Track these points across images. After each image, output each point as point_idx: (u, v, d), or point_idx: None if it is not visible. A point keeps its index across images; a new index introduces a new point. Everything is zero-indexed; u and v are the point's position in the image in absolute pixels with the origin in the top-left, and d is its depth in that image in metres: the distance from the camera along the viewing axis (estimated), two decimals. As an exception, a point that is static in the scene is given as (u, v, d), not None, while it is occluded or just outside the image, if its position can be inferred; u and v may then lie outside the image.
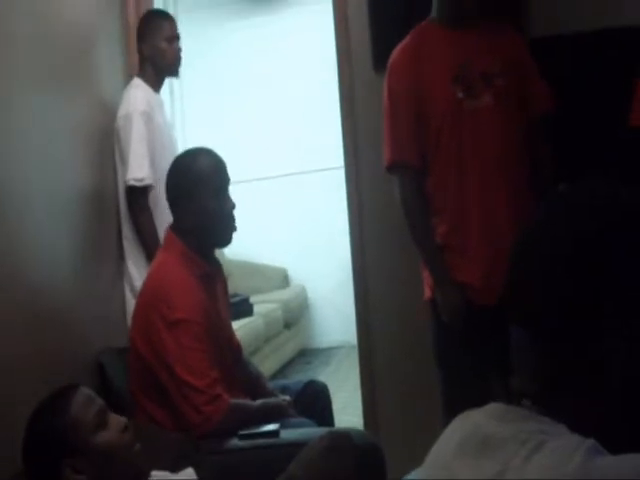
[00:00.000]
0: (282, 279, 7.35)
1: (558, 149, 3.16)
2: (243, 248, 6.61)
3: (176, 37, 3.90)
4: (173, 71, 3.93)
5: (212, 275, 2.99)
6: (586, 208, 1.11)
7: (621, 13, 3.40)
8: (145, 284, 2.97)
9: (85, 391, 2.05)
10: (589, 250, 1.06)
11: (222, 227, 2.94)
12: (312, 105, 6.78)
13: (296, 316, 7.16)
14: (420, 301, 3.14)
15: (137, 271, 3.67)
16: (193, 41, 7.09)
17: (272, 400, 3.01)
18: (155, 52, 3.81)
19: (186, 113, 7.28)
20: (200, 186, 2.88)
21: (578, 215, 1.11)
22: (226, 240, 2.99)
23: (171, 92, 6.84)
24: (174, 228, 2.95)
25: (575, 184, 1.17)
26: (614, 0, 3.47)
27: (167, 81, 4.07)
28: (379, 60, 3.50)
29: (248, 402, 2.92)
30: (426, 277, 3.09)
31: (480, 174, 2.98)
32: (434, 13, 3.11)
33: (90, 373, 3.30)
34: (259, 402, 2.95)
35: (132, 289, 3.65)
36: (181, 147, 6.85)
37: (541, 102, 3.12)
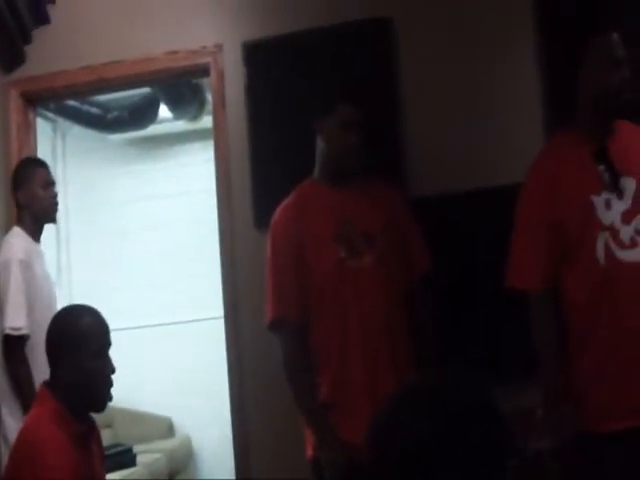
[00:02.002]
0: (167, 428, 7.15)
1: (439, 310, 3.22)
2: (127, 396, 6.44)
3: (51, 183, 3.88)
4: (50, 217, 3.89)
5: (86, 434, 2.90)
6: (431, 401, 1.28)
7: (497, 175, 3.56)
8: (17, 439, 2.86)
9: None
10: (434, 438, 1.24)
11: (98, 390, 2.87)
12: (197, 254, 6.78)
13: (181, 466, 6.95)
14: (303, 459, 3.08)
15: (13, 420, 3.53)
16: (80, 185, 7.15)
17: None
18: (31, 199, 3.79)
19: (72, 257, 7.20)
20: (81, 346, 2.81)
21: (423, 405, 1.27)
22: (101, 403, 2.90)
23: (57, 234, 6.77)
24: (49, 384, 2.87)
25: (425, 375, 1.35)
26: (488, 163, 3.63)
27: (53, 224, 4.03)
28: (261, 217, 3.55)
29: None
30: (308, 436, 3.04)
31: (363, 333, 2.99)
32: (316, 172, 3.17)
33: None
34: None
35: (6, 441, 3.51)
36: (66, 292, 6.94)
37: (420, 263, 3.19)
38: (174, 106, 6.19)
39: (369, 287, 3.02)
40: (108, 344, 2.88)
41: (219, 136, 3.85)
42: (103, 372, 2.83)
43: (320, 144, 3.15)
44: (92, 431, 2.98)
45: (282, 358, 3.03)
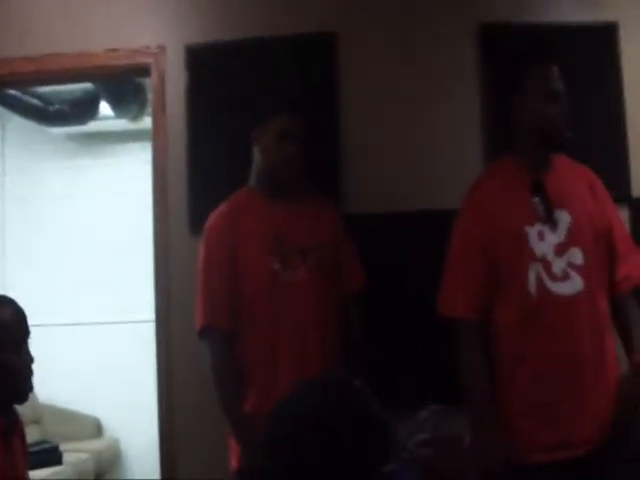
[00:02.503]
0: (95, 429, 7.07)
1: (372, 328, 3.24)
2: (57, 392, 6.38)
3: None
4: None
5: (8, 429, 2.86)
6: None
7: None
8: None
9: None
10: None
11: (20, 381, 2.83)
12: (131, 254, 6.72)
13: (108, 467, 6.89)
14: (229, 464, 3.05)
15: None
16: (18, 175, 7.07)
17: None
18: None
19: (6, 247, 7.11)
20: (0, 338, 2.78)
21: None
22: (22, 395, 2.87)
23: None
24: None
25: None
26: (425, 186, 3.67)
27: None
28: (196, 222, 3.53)
29: None
30: (233, 447, 3.01)
31: (293, 347, 2.99)
32: (253, 181, 3.16)
33: None
34: None
35: None
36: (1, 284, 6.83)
37: (354, 281, 3.21)
38: (115, 104, 6.13)
39: (301, 301, 3.02)
40: (27, 334, 2.84)
41: (157, 138, 3.82)
42: (23, 363, 2.80)
43: (257, 154, 3.13)
44: (15, 424, 2.94)
45: (210, 365, 3.01)
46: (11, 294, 2.92)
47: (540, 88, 2.86)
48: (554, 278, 2.79)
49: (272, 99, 3.31)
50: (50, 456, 6.02)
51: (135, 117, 6.43)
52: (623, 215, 3.45)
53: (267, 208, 3.10)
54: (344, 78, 3.74)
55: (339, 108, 3.71)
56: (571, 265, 2.81)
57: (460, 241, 2.91)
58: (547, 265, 2.80)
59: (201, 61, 3.79)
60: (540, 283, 2.79)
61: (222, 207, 3.14)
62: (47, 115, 6.35)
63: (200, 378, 3.26)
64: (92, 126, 6.72)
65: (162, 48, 3.87)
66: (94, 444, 6.85)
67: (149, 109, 5.00)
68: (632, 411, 2.76)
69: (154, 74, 3.88)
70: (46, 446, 6.07)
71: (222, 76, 3.75)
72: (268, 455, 1.30)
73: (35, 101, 6.21)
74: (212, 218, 3.12)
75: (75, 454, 6.42)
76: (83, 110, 6.37)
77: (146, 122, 6.02)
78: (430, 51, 3.77)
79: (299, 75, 3.66)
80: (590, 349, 2.78)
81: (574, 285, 2.80)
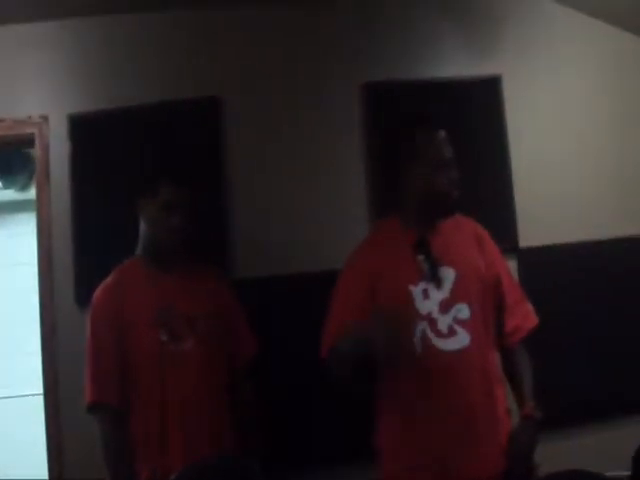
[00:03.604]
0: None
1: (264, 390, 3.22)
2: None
3: None
4: None
5: None
6: None
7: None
8: None
9: None
10: None
11: None
12: (20, 326, 6.54)
13: None
14: None
15: None
16: None
17: None
18: None
19: None
20: None
21: None
22: None
23: None
24: None
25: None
26: (312, 248, 3.70)
27: None
28: (82, 293, 3.46)
29: None
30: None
31: (182, 418, 2.94)
32: (139, 251, 3.13)
33: None
34: None
35: None
36: None
37: (246, 347, 3.19)
38: (2, 174, 6.01)
39: (190, 370, 2.98)
40: None
41: (41, 209, 3.75)
42: None
43: (142, 224, 3.10)
44: None
45: (100, 442, 2.94)
46: None
47: (429, 155, 2.86)
48: (440, 335, 2.80)
49: (155, 170, 3.27)
50: None
51: (23, 187, 6.29)
52: (512, 265, 3.51)
53: (154, 278, 3.06)
54: (229, 142, 3.75)
55: (224, 173, 3.71)
56: (457, 321, 2.82)
57: (343, 293, 2.88)
58: (432, 322, 2.80)
59: (84, 130, 3.75)
60: (426, 341, 2.79)
61: (108, 280, 3.08)
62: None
63: (91, 453, 3.16)
64: (-20, 197, 6.58)
65: (45, 118, 3.81)
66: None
67: (37, 179, 4.91)
68: (523, 462, 2.77)
69: (38, 144, 3.82)
70: None
71: (106, 145, 3.71)
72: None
73: None
74: (98, 291, 3.06)
75: None
76: (-30, 181, 6.22)
77: (34, 192, 5.93)
78: (315, 113, 3.82)
79: (183, 141, 3.64)
80: (481, 402, 2.79)
81: (460, 340, 2.80)
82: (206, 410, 2.97)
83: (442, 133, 2.89)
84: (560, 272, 3.86)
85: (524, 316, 3.00)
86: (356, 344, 2.65)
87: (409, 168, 2.89)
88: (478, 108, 3.93)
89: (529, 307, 3.03)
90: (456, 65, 3.96)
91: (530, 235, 3.88)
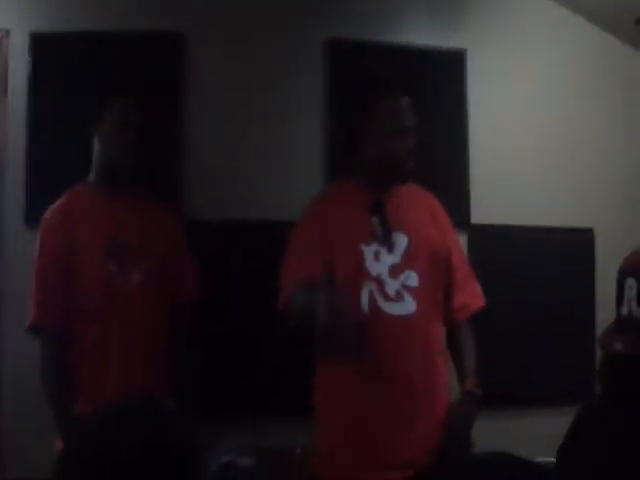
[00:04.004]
0: None
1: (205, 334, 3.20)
2: None
3: None
4: None
5: None
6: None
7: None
8: None
9: None
10: None
11: None
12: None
13: None
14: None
15: None
16: None
17: None
18: None
19: None
20: None
21: None
22: None
23: None
24: None
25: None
26: (266, 197, 3.68)
27: None
28: (32, 214, 3.37)
29: None
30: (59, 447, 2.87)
31: (122, 353, 2.93)
32: (92, 175, 3.07)
33: None
34: None
35: None
36: None
37: (188, 288, 3.16)
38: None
39: (134, 307, 2.96)
40: None
41: (-3, 123, 3.63)
42: None
43: (96, 144, 3.05)
44: None
45: (40, 362, 2.92)
46: None
47: (389, 121, 2.85)
48: (387, 298, 2.82)
49: (112, 86, 3.21)
50: None
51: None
52: (462, 241, 3.54)
53: (104, 204, 3.02)
54: (190, 82, 3.68)
55: (183, 111, 3.65)
56: (405, 287, 2.84)
57: (297, 246, 2.88)
58: (381, 285, 2.82)
59: (46, 49, 3.63)
60: (373, 302, 2.80)
61: (58, 202, 3.04)
62: None
63: (32, 373, 3.11)
64: None
65: (7, 32, 3.69)
66: None
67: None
68: (459, 436, 2.81)
69: (-3, 57, 3.69)
70: None
71: (66, 66, 3.60)
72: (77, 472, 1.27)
73: None
74: (48, 213, 3.02)
75: None
76: None
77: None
78: (277, 61, 3.78)
79: (144, 72, 3.56)
80: (421, 371, 2.83)
81: (407, 307, 2.83)
82: (146, 347, 2.96)
83: (405, 100, 2.90)
84: (509, 253, 3.92)
85: (472, 295, 3.04)
86: (305, 305, 2.64)
87: (368, 132, 2.89)
88: (440, 80, 3.95)
89: (477, 286, 3.07)
90: (421, 35, 3.95)
91: (482, 213, 3.92)
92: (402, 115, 2.88)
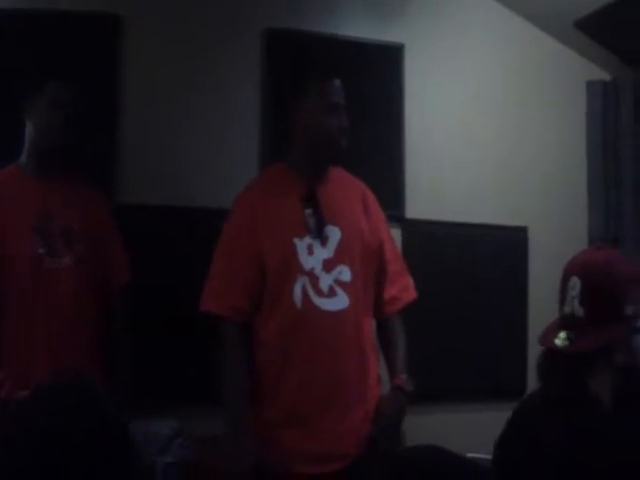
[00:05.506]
0: None
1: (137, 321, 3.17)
2: None
3: None
4: None
5: None
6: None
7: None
8: None
9: None
10: None
11: None
12: None
13: None
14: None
15: None
16: None
17: None
18: None
19: None
20: None
21: None
22: None
23: None
24: None
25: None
26: (198, 183, 3.63)
27: None
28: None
29: None
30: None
31: (50, 336, 2.89)
32: (23, 157, 3.03)
33: None
34: None
35: None
36: None
37: (120, 274, 3.12)
38: None
39: (64, 288, 2.92)
40: None
41: None
42: None
43: (28, 125, 3.01)
44: None
45: None
46: None
47: (319, 99, 2.83)
48: (320, 293, 2.79)
49: (46, 68, 3.18)
50: None
51: None
52: (396, 235, 3.53)
53: (34, 186, 2.99)
54: (126, 64, 3.61)
55: (119, 93, 3.58)
56: (338, 282, 2.81)
57: (228, 242, 2.85)
58: (314, 280, 2.79)
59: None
60: (306, 297, 2.77)
61: None
62: None
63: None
64: None
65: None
66: None
67: None
68: (389, 430, 2.81)
69: None
70: None
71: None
72: (6, 454, 1.23)
73: None
74: None
75: None
76: None
77: None
78: (215, 48, 3.73)
79: (79, 53, 3.49)
80: (353, 366, 2.81)
81: (340, 302, 2.80)
82: (75, 331, 2.93)
83: (337, 81, 2.88)
84: (443, 248, 3.93)
85: (403, 288, 3.02)
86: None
87: (300, 109, 2.85)
88: (377, 74, 3.94)
89: (409, 280, 3.05)
90: (360, 29, 3.93)
91: (416, 208, 3.92)
92: (334, 93, 2.85)
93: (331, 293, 2.80)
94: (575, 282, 1.86)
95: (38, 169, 3.00)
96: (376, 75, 3.92)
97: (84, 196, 3.08)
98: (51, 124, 2.95)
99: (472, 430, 3.42)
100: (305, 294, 2.77)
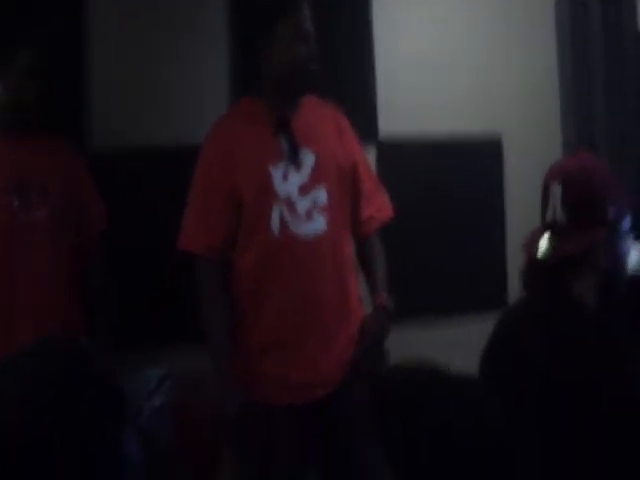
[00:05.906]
0: None
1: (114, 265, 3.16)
2: None
3: None
4: None
5: None
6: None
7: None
8: None
9: None
10: None
11: None
12: None
13: None
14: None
15: None
16: None
17: None
18: None
19: None
20: None
21: None
22: None
23: None
24: None
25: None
26: (170, 121, 3.57)
27: None
28: None
29: None
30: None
31: (31, 287, 2.89)
32: None
33: None
34: None
35: None
36: None
37: (97, 221, 3.11)
38: None
39: (41, 241, 2.91)
40: None
41: None
42: None
43: (1, 89, 2.96)
44: None
45: None
46: None
47: (289, 28, 2.80)
48: (298, 219, 2.79)
49: (14, 35, 3.09)
50: None
51: None
52: (370, 157, 3.51)
53: (6, 144, 2.97)
54: (90, 12, 3.52)
55: (84, 42, 3.51)
56: (315, 206, 2.81)
57: (202, 178, 2.84)
58: (291, 206, 2.78)
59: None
60: (283, 224, 2.77)
61: None
62: None
63: None
64: None
65: None
66: None
67: None
68: (372, 349, 2.83)
69: None
70: None
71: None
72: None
73: None
74: None
75: None
76: None
77: None
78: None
79: (43, 9, 3.41)
80: (333, 289, 2.82)
81: (317, 225, 2.81)
82: (55, 283, 2.93)
83: (305, 10, 2.84)
84: (418, 167, 3.91)
85: (380, 207, 3.02)
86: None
87: (270, 39, 2.82)
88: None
89: (385, 198, 3.05)
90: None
91: (390, 128, 3.88)
92: (302, 20, 2.83)
93: (309, 217, 2.80)
94: (556, 189, 1.86)
95: (9, 132, 2.98)
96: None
97: (55, 149, 3.06)
98: (24, 92, 2.93)
99: (455, 342, 3.45)
100: (282, 221, 2.77)
